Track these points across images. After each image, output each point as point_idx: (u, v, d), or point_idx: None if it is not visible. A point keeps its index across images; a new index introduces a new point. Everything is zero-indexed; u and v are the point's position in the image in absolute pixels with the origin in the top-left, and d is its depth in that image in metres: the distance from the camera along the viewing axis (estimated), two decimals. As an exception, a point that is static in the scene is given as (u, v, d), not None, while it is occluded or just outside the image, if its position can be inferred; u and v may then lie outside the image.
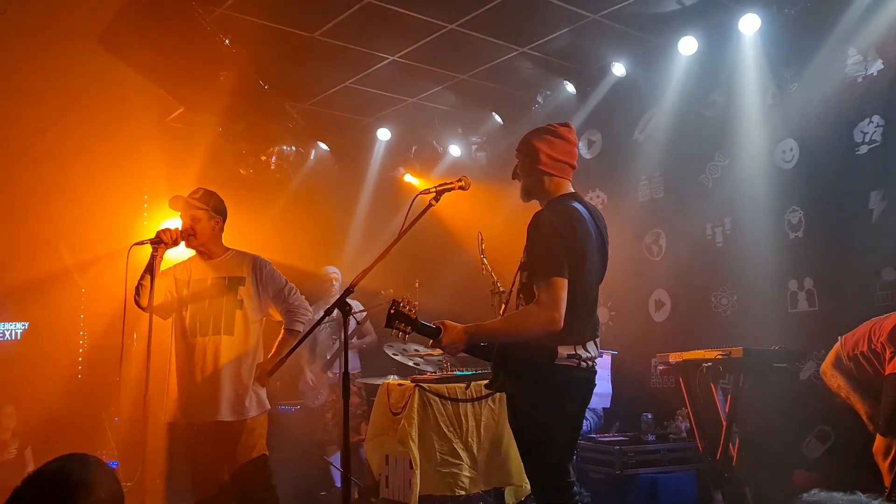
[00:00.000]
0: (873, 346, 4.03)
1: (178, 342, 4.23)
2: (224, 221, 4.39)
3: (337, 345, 6.52)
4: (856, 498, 1.35)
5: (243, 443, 4.16)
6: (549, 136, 3.36)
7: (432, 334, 3.20)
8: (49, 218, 6.70)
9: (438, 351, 5.19)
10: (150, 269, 3.97)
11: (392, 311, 3.26)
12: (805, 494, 1.43)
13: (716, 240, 5.75)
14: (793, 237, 5.25)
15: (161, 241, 3.97)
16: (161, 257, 4.02)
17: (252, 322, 4.28)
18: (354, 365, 6.75)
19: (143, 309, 4.03)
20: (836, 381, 4.23)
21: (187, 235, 4.25)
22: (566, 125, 3.43)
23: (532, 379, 3.17)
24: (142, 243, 3.95)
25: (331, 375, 6.50)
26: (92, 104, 6.14)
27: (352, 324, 6.57)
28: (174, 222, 4.25)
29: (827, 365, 4.30)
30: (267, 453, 4.30)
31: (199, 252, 4.35)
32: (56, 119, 6.30)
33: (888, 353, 3.92)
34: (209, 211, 4.29)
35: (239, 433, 4.15)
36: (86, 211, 6.62)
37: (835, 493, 1.37)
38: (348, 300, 3.28)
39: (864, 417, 4.11)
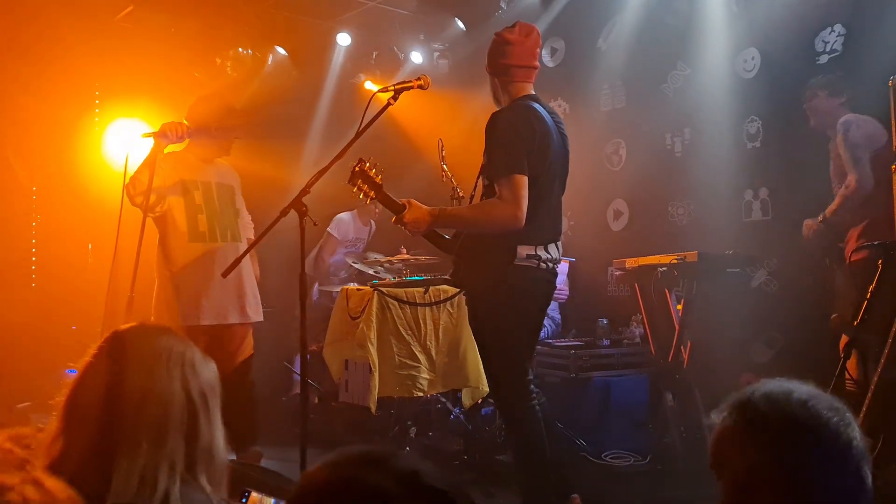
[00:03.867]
0: None
1: (190, 245, 4.11)
2: None
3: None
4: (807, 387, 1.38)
5: (247, 343, 4.37)
6: (504, 45, 3.35)
7: (396, 209, 3.25)
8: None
9: (398, 257, 5.21)
10: (149, 164, 3.84)
11: (357, 169, 3.33)
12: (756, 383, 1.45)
13: (675, 149, 5.77)
14: (750, 147, 5.29)
15: (165, 136, 3.87)
16: (161, 152, 3.92)
17: (243, 230, 4.39)
18: None
19: (136, 205, 3.89)
20: None
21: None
22: (513, 27, 3.39)
23: (491, 278, 3.20)
24: (148, 135, 3.88)
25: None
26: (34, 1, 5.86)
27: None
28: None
29: None
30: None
31: (201, 155, 4.25)
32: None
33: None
34: None
35: (245, 334, 4.36)
36: (32, 112, 6.39)
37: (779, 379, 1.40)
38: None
39: None
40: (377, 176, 3.34)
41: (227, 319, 4.18)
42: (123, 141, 6.53)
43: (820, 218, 4.22)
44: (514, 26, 3.38)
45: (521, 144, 3.11)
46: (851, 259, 3.95)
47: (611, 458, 4.72)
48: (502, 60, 3.34)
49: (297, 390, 6.40)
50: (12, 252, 6.99)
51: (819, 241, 4.27)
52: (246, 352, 4.35)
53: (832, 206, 4.20)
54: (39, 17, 6.07)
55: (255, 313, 4.33)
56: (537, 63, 3.41)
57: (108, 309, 3.74)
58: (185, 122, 3.98)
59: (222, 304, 4.16)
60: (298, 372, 6.18)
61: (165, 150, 4.05)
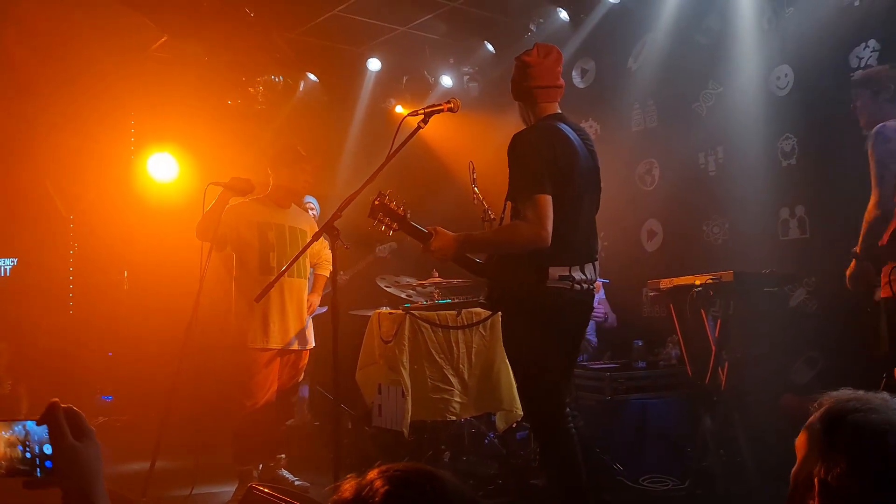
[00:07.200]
0: None
1: (261, 278, 4.44)
2: None
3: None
4: (882, 395, 1.36)
5: (303, 365, 4.85)
6: (524, 68, 3.32)
7: (422, 237, 3.19)
8: (33, 151, 6.59)
9: (430, 280, 5.19)
10: (217, 210, 4.32)
11: (376, 203, 3.25)
12: (833, 391, 1.45)
13: (709, 168, 5.71)
14: (785, 165, 5.21)
15: (233, 188, 4.30)
16: (227, 202, 4.37)
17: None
18: None
19: (202, 240, 4.36)
20: None
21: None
22: (532, 49, 3.36)
23: (524, 300, 3.16)
24: (217, 184, 4.29)
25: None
26: (72, 32, 5.99)
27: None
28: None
29: None
30: None
31: (277, 201, 4.70)
32: (36, 50, 6.15)
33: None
34: None
35: (303, 359, 4.84)
36: (70, 142, 6.52)
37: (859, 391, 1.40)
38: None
39: None
40: (399, 207, 3.23)
41: (294, 345, 4.66)
42: (160, 172, 6.67)
43: (853, 261, 3.72)
44: (532, 48, 3.36)
45: (543, 164, 3.07)
46: (884, 295, 3.73)
47: (648, 483, 4.63)
48: (525, 83, 3.30)
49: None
50: (51, 280, 7.13)
51: (861, 281, 3.76)
52: (299, 375, 4.84)
53: (860, 238, 3.71)
54: (82, 55, 6.22)
55: (312, 340, 4.84)
56: (561, 82, 3.36)
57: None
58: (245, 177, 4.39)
59: (291, 332, 4.63)
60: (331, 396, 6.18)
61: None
